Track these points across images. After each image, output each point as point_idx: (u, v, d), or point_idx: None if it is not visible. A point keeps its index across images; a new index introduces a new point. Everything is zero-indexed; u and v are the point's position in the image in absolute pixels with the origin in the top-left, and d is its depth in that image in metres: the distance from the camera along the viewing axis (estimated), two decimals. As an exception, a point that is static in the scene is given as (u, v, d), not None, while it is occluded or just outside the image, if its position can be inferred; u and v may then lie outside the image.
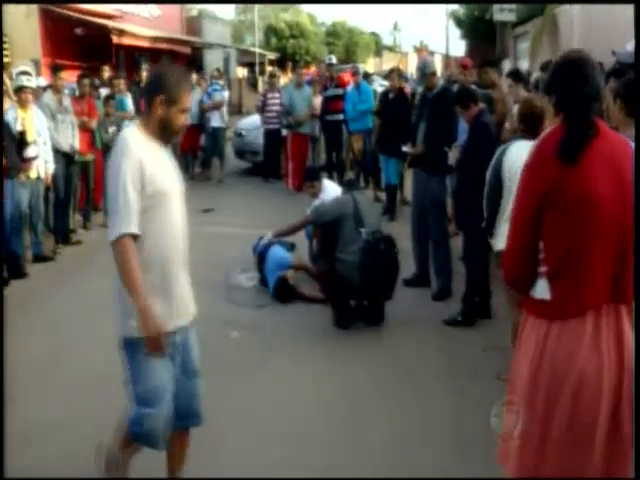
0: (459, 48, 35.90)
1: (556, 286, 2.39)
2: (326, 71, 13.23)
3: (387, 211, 9.50)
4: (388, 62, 42.53)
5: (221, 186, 12.79)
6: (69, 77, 9.81)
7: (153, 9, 23.50)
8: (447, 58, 30.92)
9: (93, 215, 9.48)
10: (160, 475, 3.27)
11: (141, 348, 2.86)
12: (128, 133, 2.97)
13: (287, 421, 4.24)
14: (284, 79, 19.41)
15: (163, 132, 2.99)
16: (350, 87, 11.67)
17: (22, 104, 7.34)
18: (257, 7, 38.54)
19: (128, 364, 2.98)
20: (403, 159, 7.70)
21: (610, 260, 2.36)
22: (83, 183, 9.08)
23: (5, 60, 13.23)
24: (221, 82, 14.59)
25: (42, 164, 7.58)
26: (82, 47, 17.25)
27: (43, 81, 10.01)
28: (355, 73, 11.55)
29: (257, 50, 34.13)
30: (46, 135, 7.69)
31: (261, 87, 25.90)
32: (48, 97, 8.32)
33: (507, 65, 15.96)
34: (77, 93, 9.32)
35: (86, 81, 9.19)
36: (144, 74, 12.40)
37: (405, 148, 6.87)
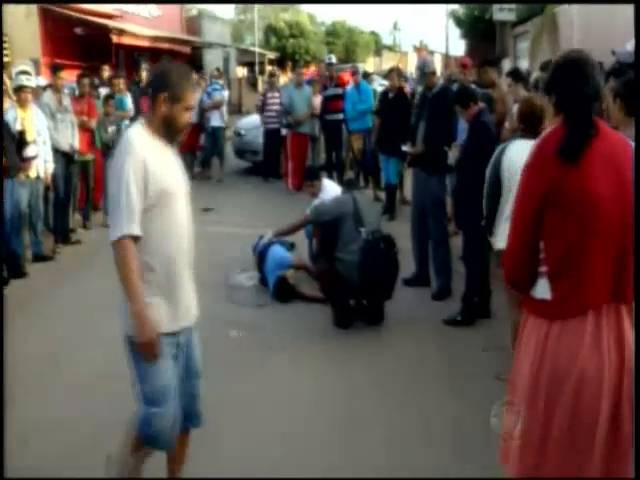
0: (459, 47, 36.00)
1: (557, 286, 2.39)
2: (326, 70, 13.24)
3: (387, 210, 9.51)
4: (388, 62, 42.55)
5: (221, 185, 12.78)
6: (69, 77, 9.80)
7: (153, 9, 23.50)
8: (447, 57, 30.91)
9: (93, 215, 9.48)
10: (160, 475, 3.27)
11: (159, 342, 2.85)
12: (132, 132, 2.94)
13: (287, 421, 4.24)
14: (284, 79, 19.39)
15: (167, 130, 2.96)
16: (350, 87, 11.67)
17: (22, 104, 7.33)
18: (257, 7, 38.52)
19: (134, 364, 2.95)
20: (403, 158, 7.70)
21: (610, 260, 2.36)
22: (83, 183, 9.08)
23: (5, 59, 13.23)
24: (221, 82, 14.59)
25: (42, 164, 7.58)
26: (82, 47, 17.24)
27: (43, 81, 9.99)
28: (355, 73, 11.55)
29: (257, 50, 34.11)
30: (46, 135, 7.69)
31: (261, 87, 25.91)
32: (48, 97, 8.32)
33: (507, 64, 15.96)
34: (77, 93, 9.32)
35: (86, 81, 9.19)
36: (144, 74, 12.37)
37: (405, 147, 6.87)
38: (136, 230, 2.79)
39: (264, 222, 8.25)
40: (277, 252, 6.81)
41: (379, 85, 15.16)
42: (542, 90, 3.08)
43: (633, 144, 2.59)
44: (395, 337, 5.61)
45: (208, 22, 30.69)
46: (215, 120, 13.18)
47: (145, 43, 19.93)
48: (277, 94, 12.76)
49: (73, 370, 4.91)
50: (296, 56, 37.94)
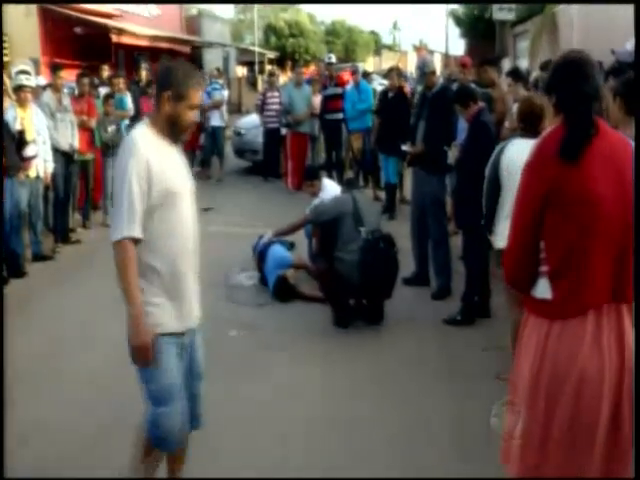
0: (458, 47, 35.94)
1: (557, 285, 2.39)
2: (325, 70, 13.23)
3: (386, 210, 9.51)
4: (387, 61, 42.51)
5: (220, 185, 12.78)
6: (68, 76, 9.79)
7: (152, 8, 23.51)
8: (446, 57, 30.87)
9: (92, 214, 9.47)
10: (160, 475, 3.27)
11: (153, 347, 2.85)
12: (137, 132, 2.93)
13: (286, 420, 4.23)
14: (283, 78, 19.39)
15: (172, 129, 2.94)
16: (349, 86, 11.67)
17: (21, 103, 7.33)
18: (257, 6, 38.52)
19: None
20: (402, 158, 7.70)
21: (611, 259, 2.36)
22: (82, 182, 9.07)
23: (4, 59, 13.23)
24: (220, 81, 14.58)
25: (41, 163, 7.58)
26: (81, 46, 17.25)
27: (42, 80, 10.00)
28: (354, 72, 11.55)
29: (256, 49, 34.10)
30: (45, 134, 7.69)
31: (260, 86, 25.93)
32: (47, 96, 8.31)
33: (506, 64, 15.93)
34: (76, 92, 9.30)
35: (85, 80, 9.18)
36: (143, 73, 12.39)
37: (404, 147, 6.87)
38: (136, 232, 2.78)
39: (264, 222, 8.25)
40: (277, 252, 6.81)
41: (379, 84, 15.15)
42: (542, 90, 3.09)
43: (633, 143, 2.59)
44: (395, 337, 5.61)
45: (208, 21, 30.69)
46: (215, 120, 13.18)
47: (145, 43, 19.94)
48: (277, 93, 12.76)
49: (73, 370, 4.91)
50: (296, 55, 37.94)
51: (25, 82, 7.32)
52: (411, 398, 4.52)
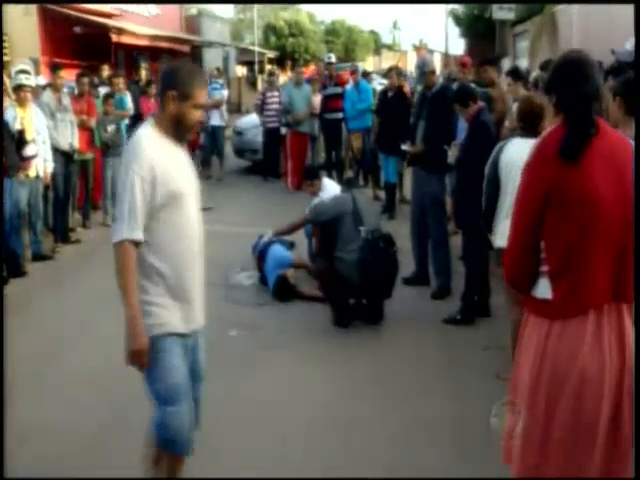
0: (458, 46, 35.95)
1: (558, 285, 2.39)
2: (325, 70, 13.22)
3: (386, 210, 9.50)
4: (387, 60, 42.52)
5: (220, 185, 12.77)
6: (68, 76, 9.79)
7: (152, 8, 23.49)
8: (446, 56, 30.88)
9: (92, 214, 9.47)
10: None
11: (158, 347, 2.84)
12: (142, 133, 2.90)
13: (286, 420, 4.23)
14: (283, 77, 19.38)
15: (177, 129, 2.92)
16: (349, 86, 11.67)
17: (21, 103, 7.33)
18: (256, 6, 38.50)
19: None
20: (402, 157, 7.69)
21: (611, 259, 2.36)
22: (82, 182, 9.07)
23: (4, 59, 13.22)
24: (220, 81, 14.56)
25: (41, 163, 7.58)
26: (81, 46, 17.23)
27: (42, 80, 10.00)
28: (354, 72, 11.56)
29: (256, 49, 34.08)
30: (45, 134, 7.69)
31: (260, 86, 25.89)
32: (47, 96, 8.31)
33: (506, 63, 15.93)
34: (76, 92, 9.30)
35: (85, 80, 9.18)
36: (143, 73, 12.40)
37: (404, 146, 6.86)
38: (137, 235, 2.77)
39: (264, 221, 8.24)
40: (277, 251, 6.81)
41: (378, 84, 15.16)
42: (542, 90, 3.09)
43: (633, 143, 2.59)
44: (395, 336, 5.61)
45: (207, 21, 30.67)
46: (215, 119, 13.17)
47: (144, 42, 19.92)
48: (276, 93, 12.76)
49: (73, 369, 4.91)
50: (295, 55, 37.90)
51: (25, 82, 7.32)
52: (411, 398, 4.52)
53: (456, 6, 28.99)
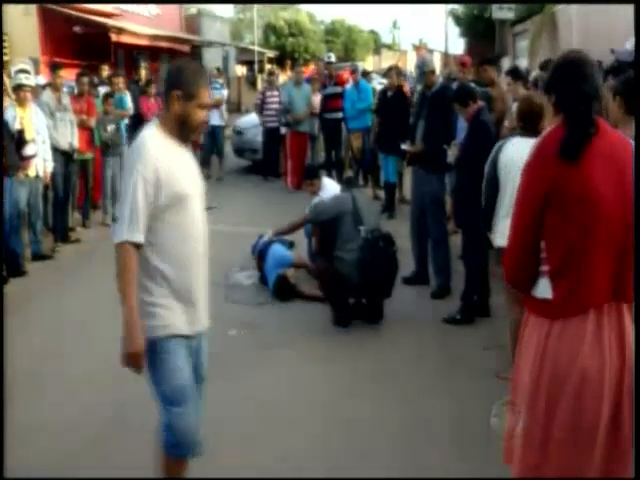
0: (458, 46, 35.90)
1: (558, 285, 2.39)
2: (325, 69, 13.23)
3: (386, 209, 9.51)
4: (387, 60, 42.50)
5: (220, 184, 12.76)
6: (68, 75, 9.79)
7: (152, 7, 23.47)
8: (446, 56, 30.86)
9: (92, 213, 9.47)
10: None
11: (162, 348, 2.84)
12: (146, 133, 2.89)
13: (286, 420, 4.23)
14: (283, 77, 19.39)
15: (181, 129, 2.90)
16: (349, 85, 11.68)
17: (21, 102, 7.33)
18: (256, 6, 38.47)
19: (149, 365, 2.88)
20: (402, 157, 7.70)
21: (611, 259, 2.36)
22: (82, 181, 9.06)
23: (4, 58, 13.21)
24: (220, 80, 14.57)
25: (41, 162, 7.57)
26: (81, 45, 17.23)
27: (42, 79, 9.99)
28: (354, 71, 11.56)
29: (256, 48, 34.06)
30: (45, 133, 7.69)
31: (260, 85, 25.89)
32: (47, 95, 8.30)
33: (506, 63, 15.92)
34: (76, 91, 9.31)
35: (85, 79, 9.18)
36: (143, 72, 12.39)
37: (404, 146, 6.87)
38: (137, 237, 2.75)
39: (264, 221, 8.24)
40: (277, 251, 6.81)
41: (378, 84, 15.13)
42: (542, 90, 3.09)
43: (633, 143, 2.59)
44: (395, 336, 5.61)
45: (207, 21, 30.65)
46: (214, 119, 13.14)
47: (144, 42, 19.91)
48: (276, 93, 12.76)
49: (73, 369, 4.90)
50: (295, 55, 37.87)
51: (24, 81, 7.32)
52: (411, 398, 4.52)
53: (456, 6, 28.98)
